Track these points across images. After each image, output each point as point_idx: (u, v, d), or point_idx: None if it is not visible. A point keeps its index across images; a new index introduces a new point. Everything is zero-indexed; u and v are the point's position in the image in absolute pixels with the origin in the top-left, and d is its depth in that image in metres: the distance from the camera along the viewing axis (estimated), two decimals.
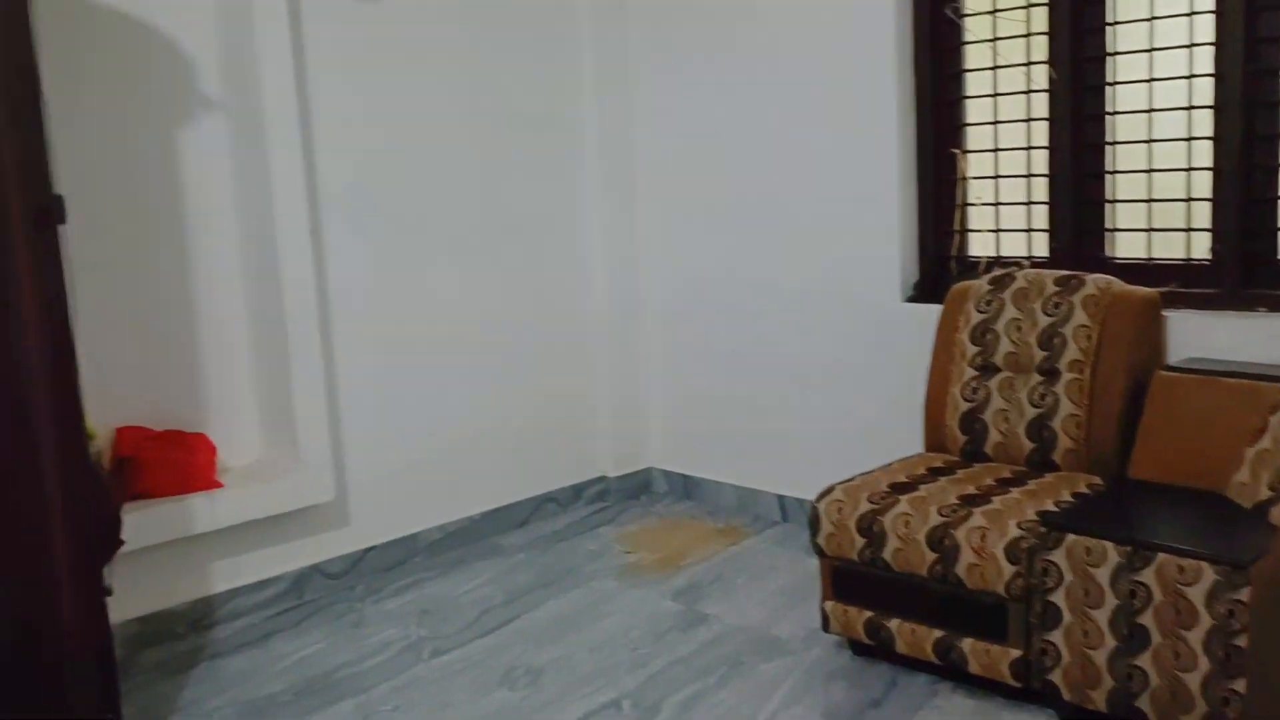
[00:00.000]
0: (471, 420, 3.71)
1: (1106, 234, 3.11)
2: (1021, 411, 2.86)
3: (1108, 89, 3.05)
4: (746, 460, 3.93)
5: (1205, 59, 2.85)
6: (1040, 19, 3.14)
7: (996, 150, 3.31)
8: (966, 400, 2.97)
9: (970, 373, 2.98)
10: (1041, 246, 3.24)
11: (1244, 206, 2.83)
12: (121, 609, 2.84)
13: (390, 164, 3.44)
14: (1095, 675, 2.25)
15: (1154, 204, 3.01)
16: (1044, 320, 2.87)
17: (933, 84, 3.37)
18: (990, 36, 3.26)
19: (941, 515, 2.52)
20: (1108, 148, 3.08)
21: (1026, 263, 3.20)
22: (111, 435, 2.97)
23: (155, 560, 2.93)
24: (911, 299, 3.44)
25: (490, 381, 3.76)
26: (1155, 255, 3.04)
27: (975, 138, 3.37)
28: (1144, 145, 3.01)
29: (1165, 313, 2.85)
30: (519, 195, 3.81)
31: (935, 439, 3.05)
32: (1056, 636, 2.31)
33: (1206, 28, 2.84)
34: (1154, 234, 3.03)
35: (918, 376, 3.12)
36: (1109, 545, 2.21)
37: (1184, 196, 2.95)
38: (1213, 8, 2.81)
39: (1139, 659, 2.18)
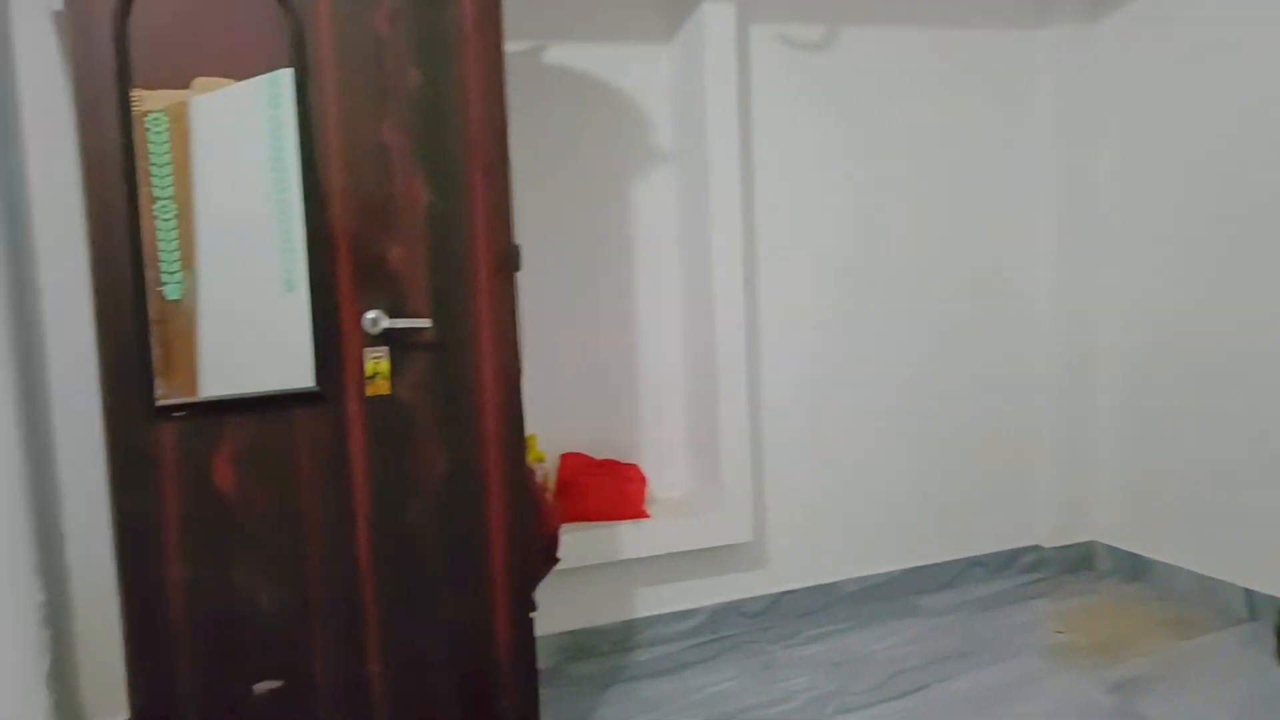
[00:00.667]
0: (897, 471, 3.59)
1: None
2: None
3: None
4: (1210, 543, 3.39)
5: None
6: None
7: None
8: None
9: None
10: None
11: None
12: (554, 622, 3.11)
13: (829, 214, 3.45)
14: None
15: None
16: None
17: None
18: None
19: None
20: None
21: None
22: (558, 460, 3.25)
23: (587, 580, 3.16)
24: None
25: (919, 434, 3.62)
26: None
27: None
28: None
29: None
30: (965, 244, 3.64)
31: None
32: None
33: None
34: None
35: None
36: None
37: None
38: None
39: None
